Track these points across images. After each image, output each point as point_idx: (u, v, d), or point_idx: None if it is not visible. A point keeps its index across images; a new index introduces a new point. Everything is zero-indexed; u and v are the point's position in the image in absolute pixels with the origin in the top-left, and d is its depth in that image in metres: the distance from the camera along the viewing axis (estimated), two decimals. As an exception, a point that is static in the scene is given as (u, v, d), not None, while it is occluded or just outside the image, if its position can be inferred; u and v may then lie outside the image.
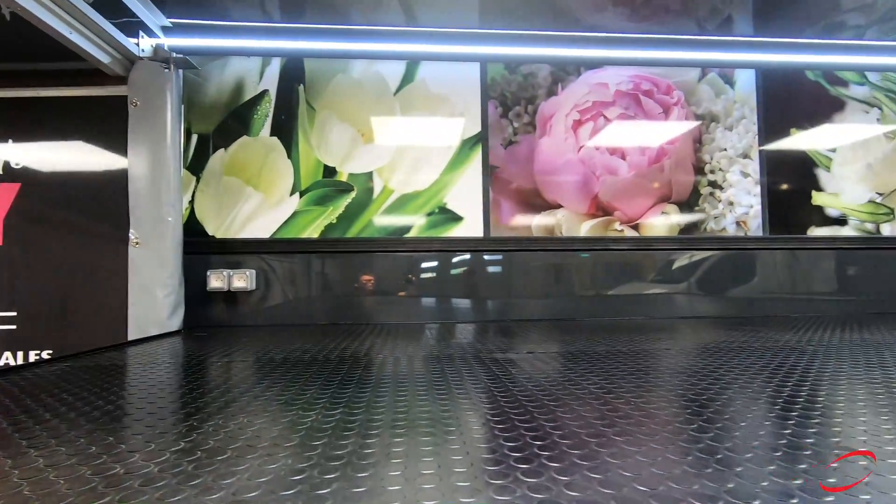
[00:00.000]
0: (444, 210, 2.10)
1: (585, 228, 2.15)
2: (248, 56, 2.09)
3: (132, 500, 0.47)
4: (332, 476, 0.51)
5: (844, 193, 2.24)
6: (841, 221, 2.24)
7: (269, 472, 0.53)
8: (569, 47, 2.16)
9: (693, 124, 2.21)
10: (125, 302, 1.79)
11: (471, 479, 0.50)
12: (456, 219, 2.11)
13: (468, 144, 2.13)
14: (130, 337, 1.77)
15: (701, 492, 0.46)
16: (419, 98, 2.12)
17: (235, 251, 2.03)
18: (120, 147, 1.93)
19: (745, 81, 2.23)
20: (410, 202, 2.10)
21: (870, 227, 2.25)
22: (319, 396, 0.85)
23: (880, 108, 2.28)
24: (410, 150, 2.11)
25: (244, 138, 2.07)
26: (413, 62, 2.13)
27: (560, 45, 2.16)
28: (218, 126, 2.06)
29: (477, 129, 2.13)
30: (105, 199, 1.97)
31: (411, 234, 2.09)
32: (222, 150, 2.05)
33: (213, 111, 2.07)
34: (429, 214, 2.10)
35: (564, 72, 2.19)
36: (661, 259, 2.17)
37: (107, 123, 1.97)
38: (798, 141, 2.24)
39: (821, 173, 2.24)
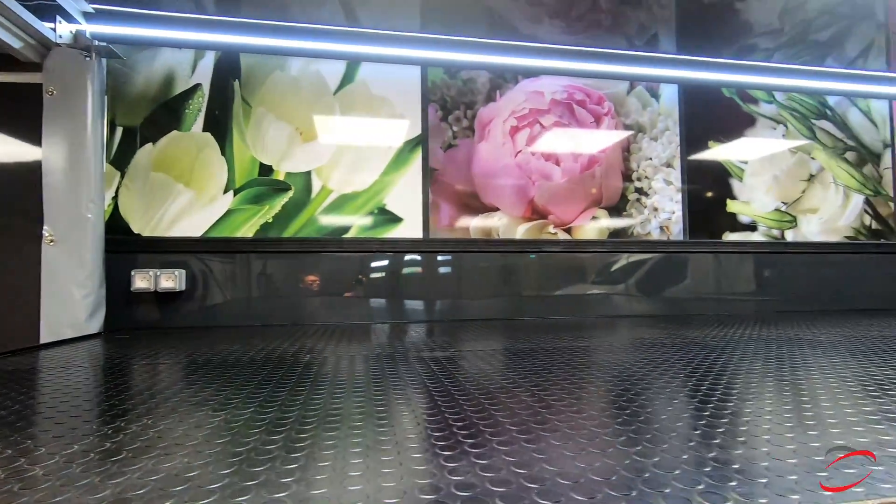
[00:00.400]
0: (383, 211, 2.11)
1: (521, 231, 2.23)
2: (179, 48, 2.01)
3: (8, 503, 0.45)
4: (226, 472, 0.52)
5: (755, 202, 2.45)
6: (752, 227, 2.44)
7: (162, 470, 0.53)
8: (507, 56, 2.23)
9: (623, 134, 2.34)
10: (37, 303, 1.68)
11: (363, 468, 0.52)
12: (395, 220, 2.12)
13: (408, 147, 2.15)
14: (43, 340, 1.67)
15: (600, 468, 0.51)
16: (359, 99, 2.13)
17: (164, 250, 1.95)
18: (34, 138, 1.81)
19: (669, 95, 2.39)
20: (350, 202, 2.09)
21: (776, 233, 2.46)
22: (233, 397, 0.84)
23: (785, 126, 2.51)
24: (350, 150, 2.10)
25: (175, 133, 1.99)
26: (353, 62, 2.13)
27: (498, 53, 2.22)
28: (146, 119, 1.98)
29: (417, 131, 2.16)
30: (15, 192, 1.83)
31: (350, 234, 2.08)
32: (150, 144, 1.97)
33: (141, 103, 1.98)
34: (368, 215, 2.10)
35: (503, 79, 2.26)
36: (598, 261, 2.28)
37: (18, 112, 1.84)
38: (715, 152, 2.42)
39: (734, 183, 2.44)
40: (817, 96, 2.55)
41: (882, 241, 2.58)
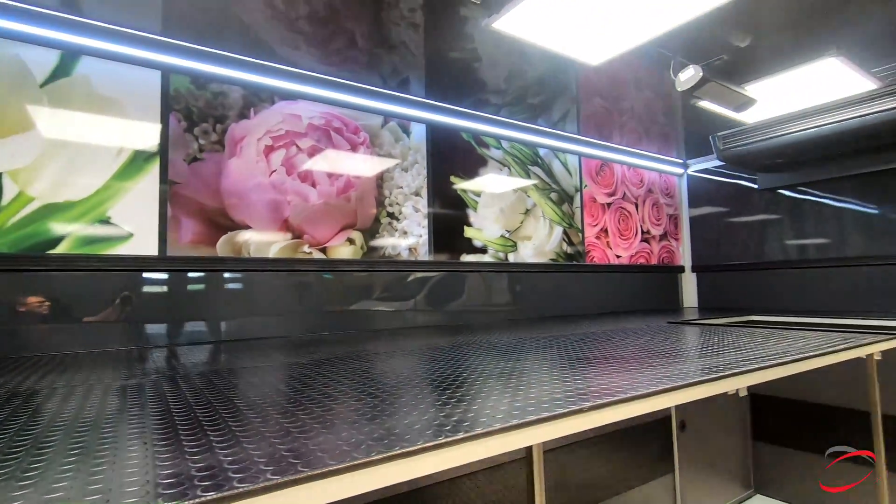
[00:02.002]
0: (107, 224, 1.88)
1: (274, 250, 2.24)
2: None
3: None
4: None
5: (485, 229, 2.94)
6: (483, 250, 2.92)
7: None
8: (262, 76, 2.24)
9: (386, 164, 2.56)
10: None
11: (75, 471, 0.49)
12: (123, 235, 1.91)
13: (142, 156, 1.97)
14: None
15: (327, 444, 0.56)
16: (78, 96, 1.87)
17: None
18: None
19: (418, 133, 2.72)
20: (59, 213, 1.81)
21: (501, 255, 3.00)
22: None
23: (509, 168, 3.09)
24: (63, 153, 1.82)
25: None
26: (71, 55, 1.87)
27: (253, 71, 2.22)
28: None
29: (154, 140, 2.00)
30: None
31: (60, 249, 1.80)
32: None
33: None
34: (87, 228, 1.85)
35: (258, 97, 2.26)
36: (386, 279, 2.42)
37: None
38: (456, 186, 2.84)
39: (470, 213, 2.89)
40: (531, 147, 3.21)
41: (574, 262, 3.36)
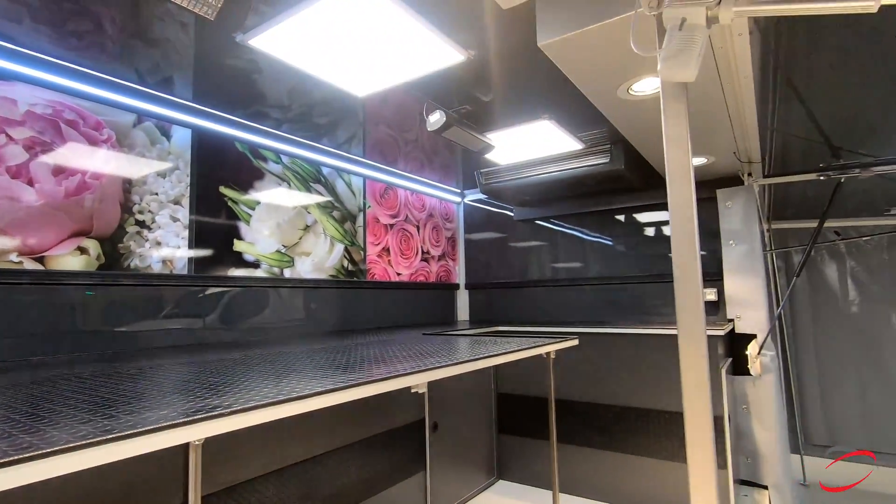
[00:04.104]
0: None
1: (-38, 257, 1.83)
2: None
3: None
4: None
5: (259, 244, 2.88)
6: (255, 265, 2.85)
7: None
8: (-43, 45, 1.84)
9: (129, 165, 2.31)
10: None
11: None
12: None
13: None
14: None
15: None
16: None
17: None
18: None
19: (181, 137, 2.54)
20: None
21: (276, 270, 2.96)
22: None
23: (288, 183, 3.09)
24: None
25: None
26: None
27: (-58, 37, 1.81)
28: None
29: None
30: None
31: None
32: None
33: None
34: None
35: (-52, 70, 1.85)
36: (172, 294, 2.10)
37: None
38: (225, 197, 2.72)
39: (242, 226, 2.80)
40: (315, 165, 3.27)
41: (355, 279, 3.50)
